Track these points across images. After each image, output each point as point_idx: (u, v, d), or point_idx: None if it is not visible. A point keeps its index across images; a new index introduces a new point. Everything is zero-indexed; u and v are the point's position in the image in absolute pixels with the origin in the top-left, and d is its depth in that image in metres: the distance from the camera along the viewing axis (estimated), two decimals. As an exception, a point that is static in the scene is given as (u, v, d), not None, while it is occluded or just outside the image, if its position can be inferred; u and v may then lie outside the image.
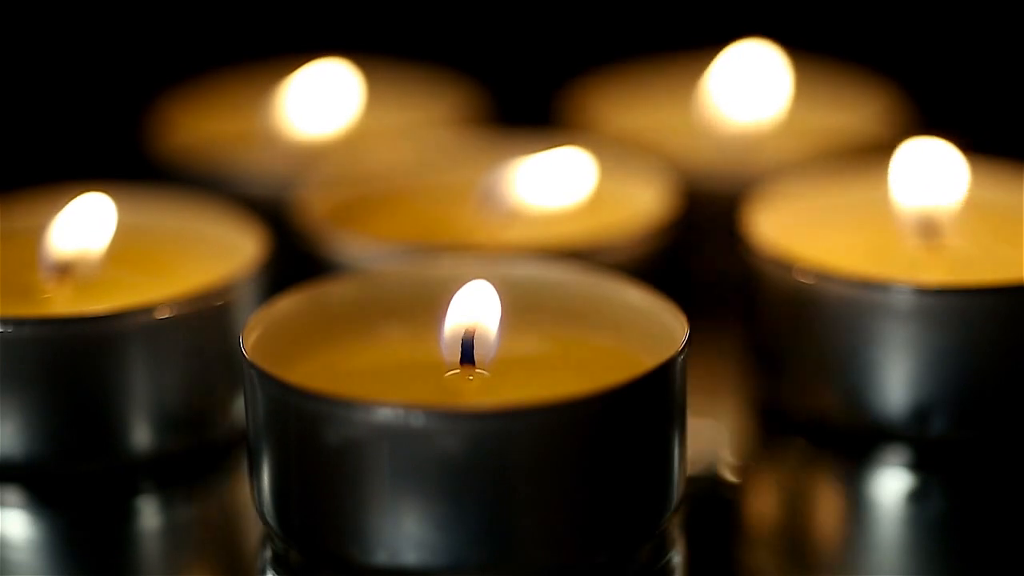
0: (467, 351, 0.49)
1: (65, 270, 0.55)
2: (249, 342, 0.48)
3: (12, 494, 0.51)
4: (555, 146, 0.63)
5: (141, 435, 0.51)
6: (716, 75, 0.72)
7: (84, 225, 0.56)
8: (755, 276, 0.55)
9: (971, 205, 0.58)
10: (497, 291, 0.50)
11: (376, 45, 0.80)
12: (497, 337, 0.49)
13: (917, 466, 0.52)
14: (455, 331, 0.49)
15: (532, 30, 0.87)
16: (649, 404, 0.46)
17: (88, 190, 0.58)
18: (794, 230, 0.57)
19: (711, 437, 0.56)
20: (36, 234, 0.56)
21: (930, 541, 0.50)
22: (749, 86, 0.71)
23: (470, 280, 0.50)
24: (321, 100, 0.73)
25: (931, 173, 0.58)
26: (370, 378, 0.50)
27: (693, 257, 0.64)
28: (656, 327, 0.49)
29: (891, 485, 0.52)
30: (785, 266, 0.53)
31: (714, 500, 0.52)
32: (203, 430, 0.53)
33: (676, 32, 0.82)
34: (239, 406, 0.52)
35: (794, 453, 0.55)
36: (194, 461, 0.53)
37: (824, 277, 0.52)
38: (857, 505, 0.52)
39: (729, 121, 0.70)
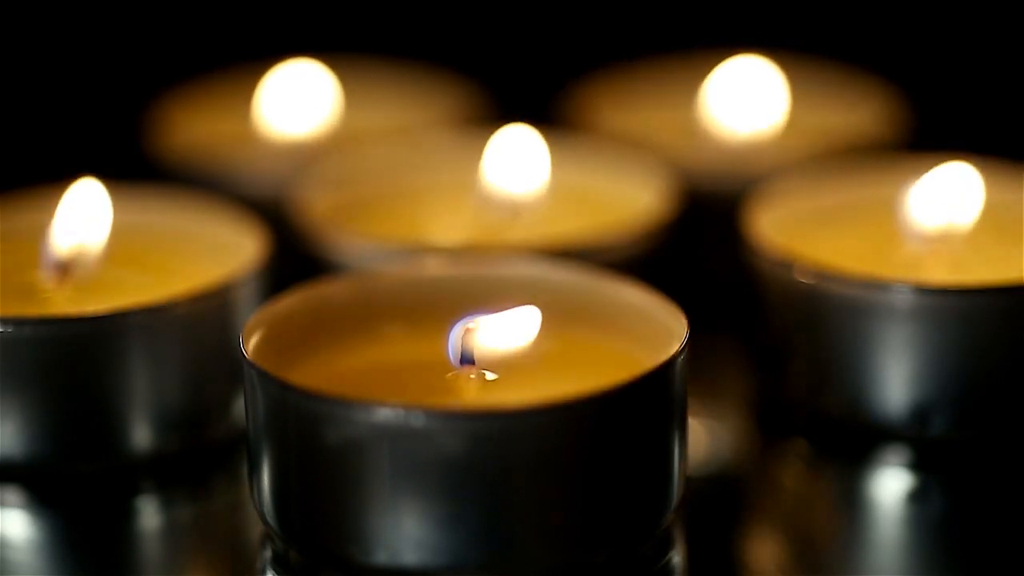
0: (468, 353, 0.49)
1: (65, 270, 0.55)
2: (249, 342, 0.48)
3: (12, 494, 0.51)
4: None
5: (141, 435, 0.51)
6: (714, 89, 0.72)
7: (82, 221, 0.56)
8: (755, 276, 0.55)
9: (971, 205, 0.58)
10: (496, 298, 0.50)
11: (376, 45, 0.80)
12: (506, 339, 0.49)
13: (917, 466, 0.52)
14: (465, 338, 0.49)
15: (532, 30, 0.87)
16: (649, 404, 0.46)
17: (87, 194, 0.58)
18: (794, 230, 0.57)
19: (711, 437, 0.56)
20: (36, 234, 0.56)
21: (930, 541, 0.50)
22: (747, 99, 0.71)
23: (469, 283, 0.50)
24: (321, 100, 0.73)
25: (939, 188, 0.58)
26: (370, 378, 0.50)
27: (693, 257, 0.64)
28: (656, 327, 0.49)
29: (891, 485, 0.52)
30: (785, 266, 0.53)
31: (714, 500, 0.52)
32: (203, 430, 0.53)
33: (676, 33, 0.82)
34: (239, 406, 0.52)
35: (794, 453, 0.55)
36: (194, 461, 0.53)
37: (824, 277, 0.52)
38: (857, 505, 0.52)
39: (730, 131, 0.70)
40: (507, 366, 0.49)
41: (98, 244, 0.56)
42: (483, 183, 0.63)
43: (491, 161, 0.63)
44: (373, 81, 0.76)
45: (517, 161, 0.63)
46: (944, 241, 0.57)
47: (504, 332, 0.49)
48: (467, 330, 0.49)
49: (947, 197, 0.57)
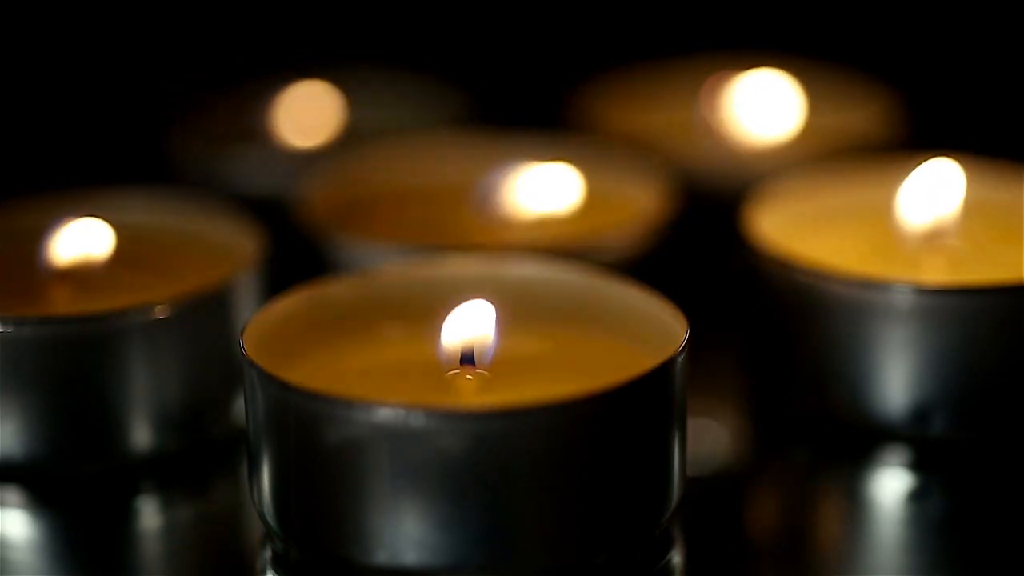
0: (467, 356, 0.49)
1: (65, 271, 0.55)
2: (249, 342, 0.48)
3: (12, 494, 0.51)
4: (548, 156, 0.63)
5: (141, 435, 0.51)
6: (716, 91, 0.72)
7: (84, 235, 0.56)
8: (755, 276, 0.55)
9: (971, 205, 0.58)
10: (496, 298, 0.50)
11: (378, 47, 0.80)
12: (495, 346, 0.49)
13: (917, 466, 0.52)
14: (455, 344, 0.49)
15: (536, 33, 0.88)
16: (649, 404, 0.46)
17: (88, 195, 0.58)
18: (794, 230, 0.57)
19: (711, 437, 0.56)
20: (37, 235, 0.56)
21: (930, 541, 0.50)
22: (748, 100, 0.71)
23: (469, 283, 0.50)
24: (323, 102, 0.73)
25: (933, 182, 0.58)
26: (370, 378, 0.50)
27: (693, 257, 0.64)
28: (656, 327, 0.49)
29: (891, 485, 0.52)
30: (785, 266, 0.53)
31: (714, 500, 0.52)
32: (203, 430, 0.53)
33: (678, 35, 0.83)
34: (239, 406, 0.52)
35: (794, 453, 0.55)
36: (194, 461, 0.53)
37: (824, 277, 0.52)
38: (857, 505, 0.52)
39: (730, 132, 0.70)
40: (507, 366, 0.49)
41: (99, 250, 0.56)
42: (485, 183, 0.63)
43: (497, 163, 0.63)
44: (374, 83, 0.76)
45: (525, 164, 0.63)
46: (936, 236, 0.57)
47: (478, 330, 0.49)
48: (467, 330, 0.49)
49: (934, 193, 0.57)
